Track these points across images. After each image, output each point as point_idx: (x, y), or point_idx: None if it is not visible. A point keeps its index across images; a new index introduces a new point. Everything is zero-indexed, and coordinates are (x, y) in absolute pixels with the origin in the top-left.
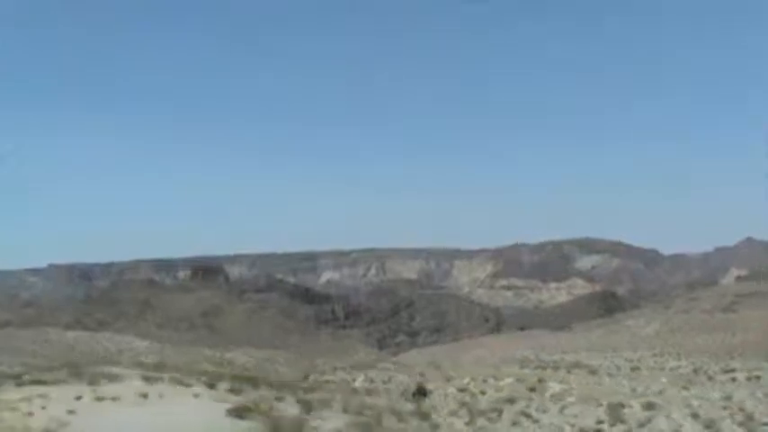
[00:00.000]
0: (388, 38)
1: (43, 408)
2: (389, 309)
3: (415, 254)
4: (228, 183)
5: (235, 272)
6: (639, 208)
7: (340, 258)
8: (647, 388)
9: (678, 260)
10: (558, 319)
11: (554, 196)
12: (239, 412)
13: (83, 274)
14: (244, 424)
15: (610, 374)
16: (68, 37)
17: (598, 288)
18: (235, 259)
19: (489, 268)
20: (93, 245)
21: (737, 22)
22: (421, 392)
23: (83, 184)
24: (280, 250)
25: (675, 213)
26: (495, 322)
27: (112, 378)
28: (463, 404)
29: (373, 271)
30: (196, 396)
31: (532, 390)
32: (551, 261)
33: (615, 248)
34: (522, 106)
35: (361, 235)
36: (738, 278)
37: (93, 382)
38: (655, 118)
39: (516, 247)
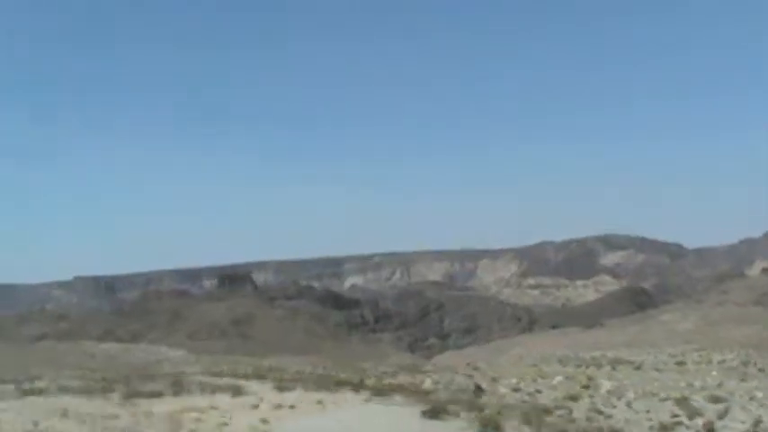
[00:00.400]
0: (394, 36)
1: (224, 419)
2: (418, 312)
3: (439, 256)
4: (249, 189)
5: (260, 279)
6: (661, 202)
7: (364, 263)
8: (704, 382)
9: (703, 253)
10: (590, 317)
11: (575, 193)
12: (434, 414)
13: (108, 286)
14: (451, 424)
15: (657, 370)
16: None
17: (625, 284)
18: (259, 266)
19: (514, 267)
20: (116, 256)
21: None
22: (479, 391)
23: (104, 194)
24: (304, 256)
25: (698, 206)
26: (528, 321)
27: (238, 390)
28: (523, 403)
29: (398, 275)
30: (366, 401)
31: (586, 387)
32: (576, 258)
33: (639, 244)
34: (539, 101)
35: (384, 239)
36: (764, 270)
37: (236, 392)
38: (675, 112)
39: (541, 245)
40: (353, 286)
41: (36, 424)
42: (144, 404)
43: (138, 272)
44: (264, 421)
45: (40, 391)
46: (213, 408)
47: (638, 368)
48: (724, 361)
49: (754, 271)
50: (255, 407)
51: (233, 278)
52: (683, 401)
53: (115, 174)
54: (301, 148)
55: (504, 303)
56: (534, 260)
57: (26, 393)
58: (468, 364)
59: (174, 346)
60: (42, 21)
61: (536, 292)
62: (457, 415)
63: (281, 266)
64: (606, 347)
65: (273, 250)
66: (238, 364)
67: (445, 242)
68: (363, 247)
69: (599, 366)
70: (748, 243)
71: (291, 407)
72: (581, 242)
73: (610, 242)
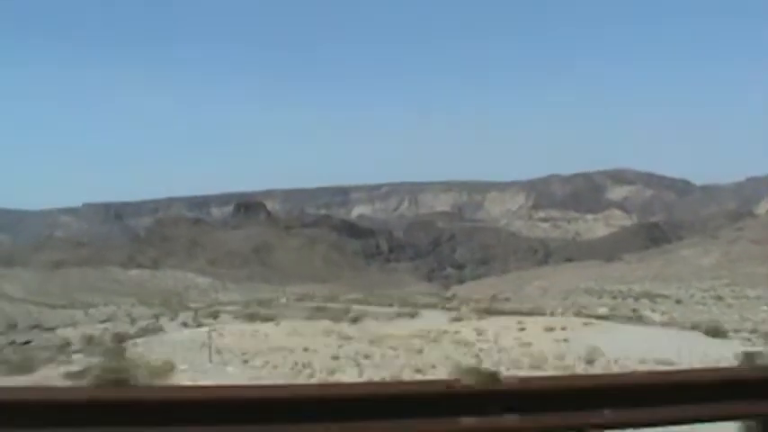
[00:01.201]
0: None
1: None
2: (430, 242)
3: (447, 186)
4: (255, 117)
5: (268, 207)
6: (669, 137)
7: (372, 192)
8: (756, 315)
9: (710, 190)
10: (605, 250)
11: (582, 127)
12: (715, 334)
13: (117, 213)
14: (734, 342)
15: (701, 304)
16: None
17: (635, 219)
18: (266, 195)
19: (522, 200)
20: (123, 183)
21: None
22: None
23: (111, 122)
24: (311, 185)
25: (705, 143)
26: (543, 254)
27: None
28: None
29: (405, 204)
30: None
31: (639, 318)
32: (583, 192)
33: (647, 179)
34: (548, 32)
35: (392, 169)
36: None
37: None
38: (685, 40)
39: (548, 178)
40: (361, 216)
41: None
42: (371, 326)
43: (146, 199)
44: (565, 340)
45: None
46: (453, 332)
47: (678, 302)
48: (759, 297)
49: (761, 210)
50: (522, 329)
51: (247, 206)
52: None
53: (115, 100)
54: (305, 73)
55: (515, 235)
56: (541, 193)
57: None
58: (493, 297)
59: (197, 273)
60: None
61: (546, 224)
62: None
63: (288, 195)
64: (632, 281)
65: (280, 179)
66: (269, 293)
67: (452, 173)
68: (370, 177)
69: (636, 299)
70: (755, 181)
71: (563, 328)
72: (588, 176)
73: (617, 177)
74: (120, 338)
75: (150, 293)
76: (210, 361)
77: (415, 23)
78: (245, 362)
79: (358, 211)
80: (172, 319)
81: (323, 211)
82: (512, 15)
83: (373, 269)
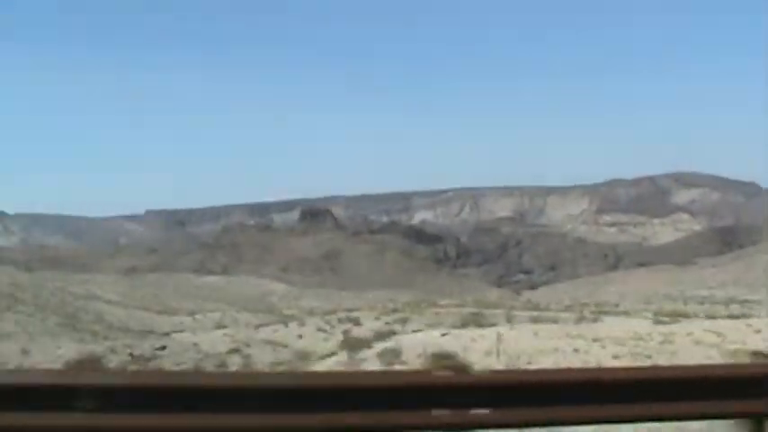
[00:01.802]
0: None
1: None
2: (496, 247)
3: (508, 191)
4: (316, 124)
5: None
6: (736, 138)
7: (433, 198)
8: None
9: None
10: (677, 255)
11: (645, 129)
12: None
13: (179, 219)
14: None
15: None
16: None
17: (703, 223)
18: (328, 201)
19: (584, 204)
20: (185, 191)
21: None
22: None
23: (172, 132)
24: (373, 191)
25: None
26: (614, 259)
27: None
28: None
29: (467, 209)
30: None
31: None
32: (648, 196)
33: (713, 182)
34: (613, 33)
35: (453, 173)
36: None
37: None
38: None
39: (611, 182)
40: (423, 221)
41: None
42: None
43: (207, 206)
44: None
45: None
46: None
47: None
48: None
49: None
50: (758, 331)
51: (313, 213)
52: None
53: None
54: (368, 80)
55: (582, 240)
56: (605, 197)
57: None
58: (575, 302)
59: (271, 279)
60: None
61: (613, 229)
62: None
63: (350, 202)
64: (712, 286)
65: (341, 185)
66: (360, 300)
67: (513, 178)
68: (432, 182)
69: (726, 304)
70: None
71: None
72: (652, 179)
73: (682, 180)
74: (358, 344)
75: (234, 299)
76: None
77: (469, 28)
78: (529, 364)
79: (420, 217)
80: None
81: (384, 218)
82: (571, 16)
83: (443, 275)
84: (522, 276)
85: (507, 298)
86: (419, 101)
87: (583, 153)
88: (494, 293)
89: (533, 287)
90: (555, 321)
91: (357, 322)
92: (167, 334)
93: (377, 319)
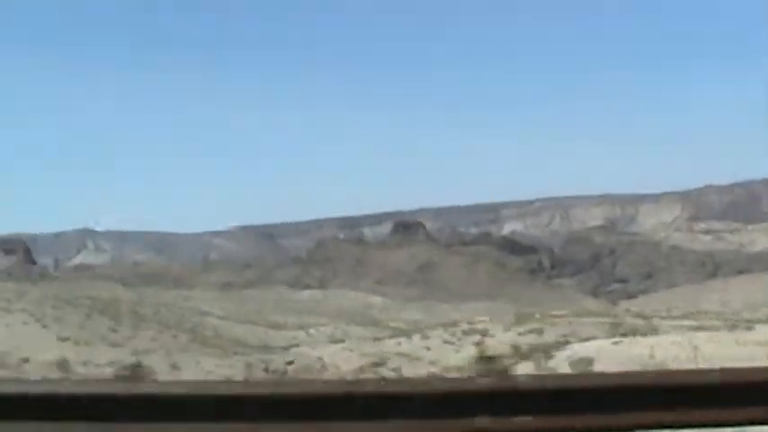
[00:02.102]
0: None
1: None
2: (589, 257)
3: (598, 200)
4: (403, 137)
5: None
6: None
7: (522, 208)
8: None
9: None
10: None
11: (734, 134)
12: None
13: (268, 234)
14: None
15: None
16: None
17: None
18: (418, 213)
19: (677, 212)
20: (272, 205)
21: None
22: None
23: (259, 145)
24: (462, 203)
25: None
26: (712, 266)
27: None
28: None
29: (557, 219)
30: None
31: None
32: (742, 202)
33: None
34: (703, 36)
35: (541, 183)
36: None
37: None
38: None
39: (704, 189)
40: (513, 232)
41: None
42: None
43: (296, 220)
44: None
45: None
46: None
47: None
48: None
49: None
50: None
51: (406, 225)
52: None
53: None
54: (454, 93)
55: (677, 248)
56: (698, 204)
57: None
58: (679, 310)
59: (368, 293)
60: None
61: (708, 237)
62: None
63: (439, 213)
64: None
65: (429, 197)
66: (460, 313)
67: (602, 186)
68: (520, 193)
69: None
70: None
71: None
72: (745, 185)
73: None
74: (545, 350)
75: (336, 313)
76: None
77: (568, 50)
78: None
79: (510, 228)
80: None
81: (473, 229)
82: (665, 18)
83: (538, 285)
84: (617, 286)
85: (605, 307)
86: (503, 111)
87: (673, 160)
88: (591, 303)
89: (630, 296)
90: (701, 329)
91: (485, 334)
92: (286, 348)
93: (507, 330)
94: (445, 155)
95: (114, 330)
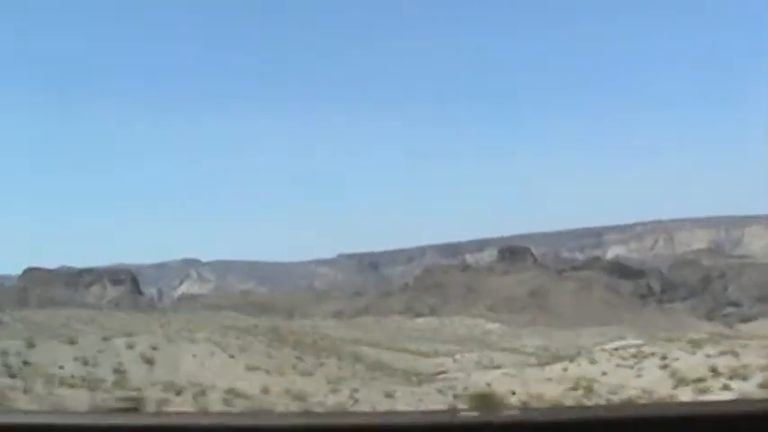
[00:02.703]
0: None
1: None
2: (699, 280)
3: (703, 222)
4: (498, 161)
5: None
6: None
7: (625, 232)
8: None
9: None
10: None
11: None
12: None
13: (371, 262)
14: None
15: None
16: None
17: None
18: (522, 239)
19: None
20: (375, 234)
21: None
22: None
23: (360, 178)
24: (563, 227)
25: None
26: None
27: None
28: None
29: (661, 243)
30: None
31: None
32: None
33: None
34: None
35: (644, 207)
36: None
37: None
38: None
39: None
40: (617, 256)
41: None
42: None
43: (398, 248)
44: None
45: None
46: None
47: None
48: None
49: None
50: None
51: (512, 251)
52: None
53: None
54: (549, 116)
55: None
56: None
57: None
58: None
59: (485, 319)
60: None
61: None
62: None
63: (541, 239)
64: None
65: (531, 223)
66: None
67: (705, 209)
68: (622, 217)
69: None
70: None
71: None
72: None
73: None
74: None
75: (460, 339)
76: None
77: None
78: None
79: (613, 252)
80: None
81: (578, 254)
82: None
83: (650, 310)
84: (731, 309)
85: (725, 331)
86: (600, 134)
87: None
88: (705, 327)
89: (745, 320)
90: None
91: (665, 357)
92: (437, 374)
93: (692, 353)
94: (545, 179)
95: (300, 359)
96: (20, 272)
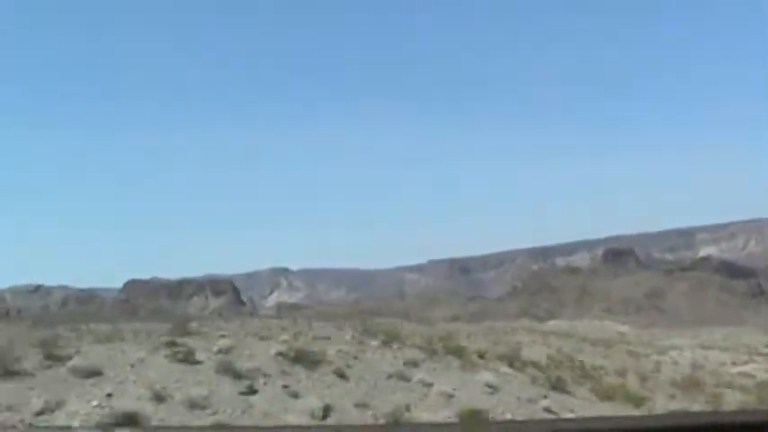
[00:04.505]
0: None
1: None
2: None
3: None
4: (582, 164)
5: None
6: None
7: (717, 232)
8: None
9: None
10: None
11: None
12: None
13: (461, 267)
14: None
15: None
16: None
17: None
18: (613, 240)
19: None
20: (464, 239)
21: None
22: None
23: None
24: (654, 229)
25: None
26: None
27: None
28: None
29: (753, 243)
30: None
31: None
32: None
33: None
34: None
35: (734, 205)
36: None
37: None
38: None
39: None
40: (708, 256)
41: None
42: None
43: (487, 252)
44: None
45: None
46: None
47: None
48: None
49: None
50: None
51: (616, 253)
52: None
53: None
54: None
55: None
56: None
57: None
58: None
59: (612, 321)
60: None
61: None
62: None
63: (631, 240)
64: None
65: (621, 224)
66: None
67: None
68: (712, 216)
69: None
70: None
71: None
72: None
73: None
74: None
75: (598, 341)
76: None
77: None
78: None
79: (705, 252)
80: None
81: (668, 255)
82: None
83: (765, 309)
84: None
85: None
86: (688, 134)
87: None
88: None
89: None
90: None
91: None
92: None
93: None
94: (633, 180)
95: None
96: (107, 285)
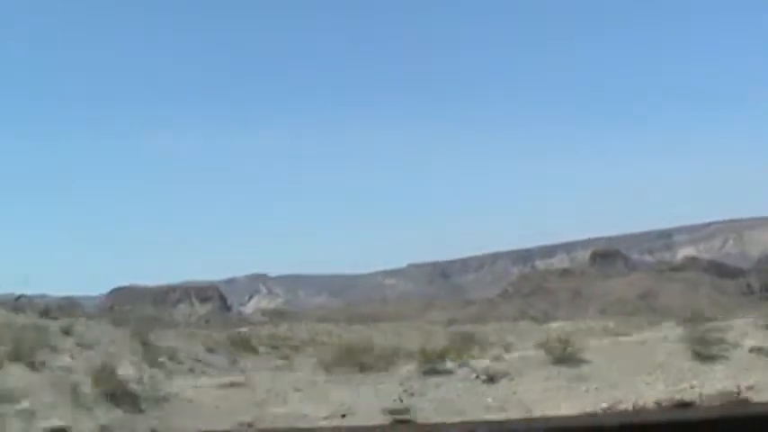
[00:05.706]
0: None
1: None
2: None
3: None
4: (571, 163)
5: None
6: None
7: (694, 233)
8: None
9: None
10: None
11: None
12: None
13: (441, 271)
14: None
15: None
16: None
17: None
18: (591, 243)
19: None
20: (444, 243)
21: None
22: None
23: (425, 185)
24: (630, 231)
25: None
26: None
27: None
28: None
29: (731, 243)
30: None
31: None
32: None
33: None
34: None
35: (713, 206)
36: None
37: None
38: None
39: None
40: (685, 257)
41: None
42: None
43: (466, 256)
44: None
45: None
46: None
47: None
48: None
49: None
50: None
51: (603, 255)
52: None
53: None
54: (618, 116)
55: None
56: None
57: None
58: None
59: (606, 322)
60: None
61: None
62: None
63: (610, 242)
64: None
65: (598, 226)
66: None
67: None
68: (689, 218)
69: None
70: None
71: None
72: None
73: None
74: None
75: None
76: None
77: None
78: None
79: (683, 253)
80: None
81: (646, 256)
82: None
83: (763, 307)
84: None
85: None
86: (669, 134)
87: None
88: None
89: None
90: None
91: None
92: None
93: None
94: (608, 182)
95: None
96: (86, 293)
